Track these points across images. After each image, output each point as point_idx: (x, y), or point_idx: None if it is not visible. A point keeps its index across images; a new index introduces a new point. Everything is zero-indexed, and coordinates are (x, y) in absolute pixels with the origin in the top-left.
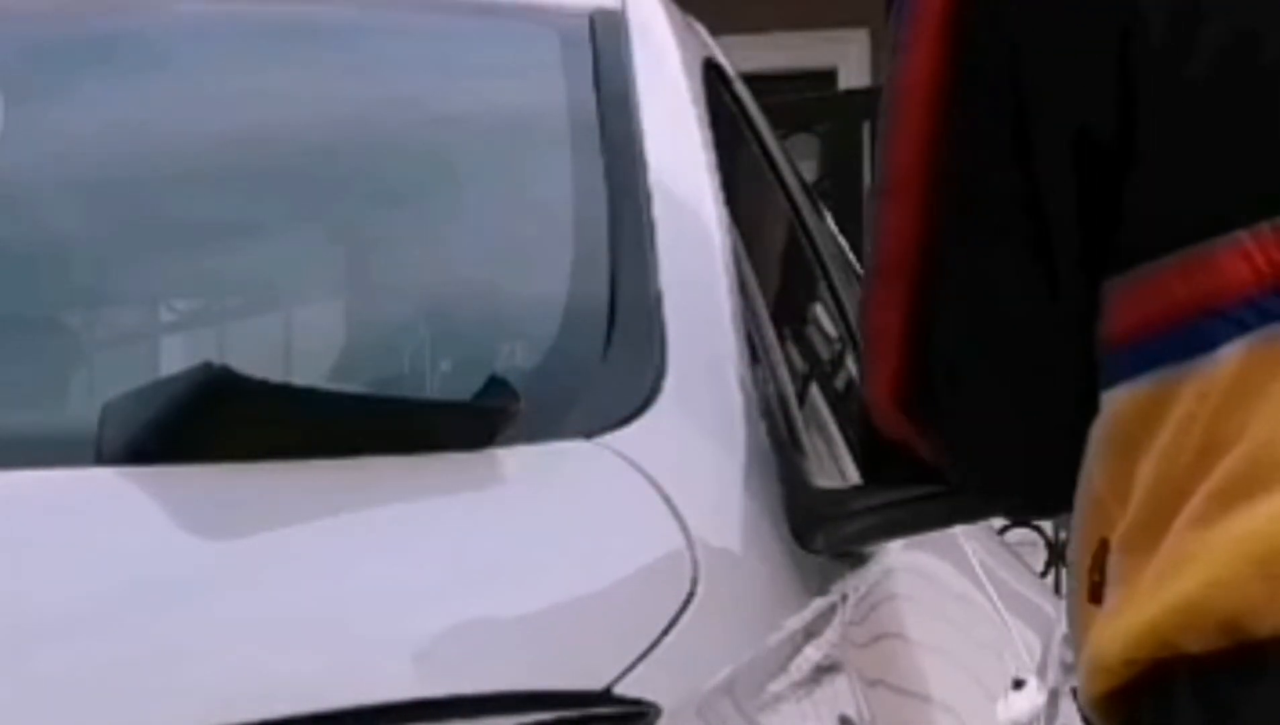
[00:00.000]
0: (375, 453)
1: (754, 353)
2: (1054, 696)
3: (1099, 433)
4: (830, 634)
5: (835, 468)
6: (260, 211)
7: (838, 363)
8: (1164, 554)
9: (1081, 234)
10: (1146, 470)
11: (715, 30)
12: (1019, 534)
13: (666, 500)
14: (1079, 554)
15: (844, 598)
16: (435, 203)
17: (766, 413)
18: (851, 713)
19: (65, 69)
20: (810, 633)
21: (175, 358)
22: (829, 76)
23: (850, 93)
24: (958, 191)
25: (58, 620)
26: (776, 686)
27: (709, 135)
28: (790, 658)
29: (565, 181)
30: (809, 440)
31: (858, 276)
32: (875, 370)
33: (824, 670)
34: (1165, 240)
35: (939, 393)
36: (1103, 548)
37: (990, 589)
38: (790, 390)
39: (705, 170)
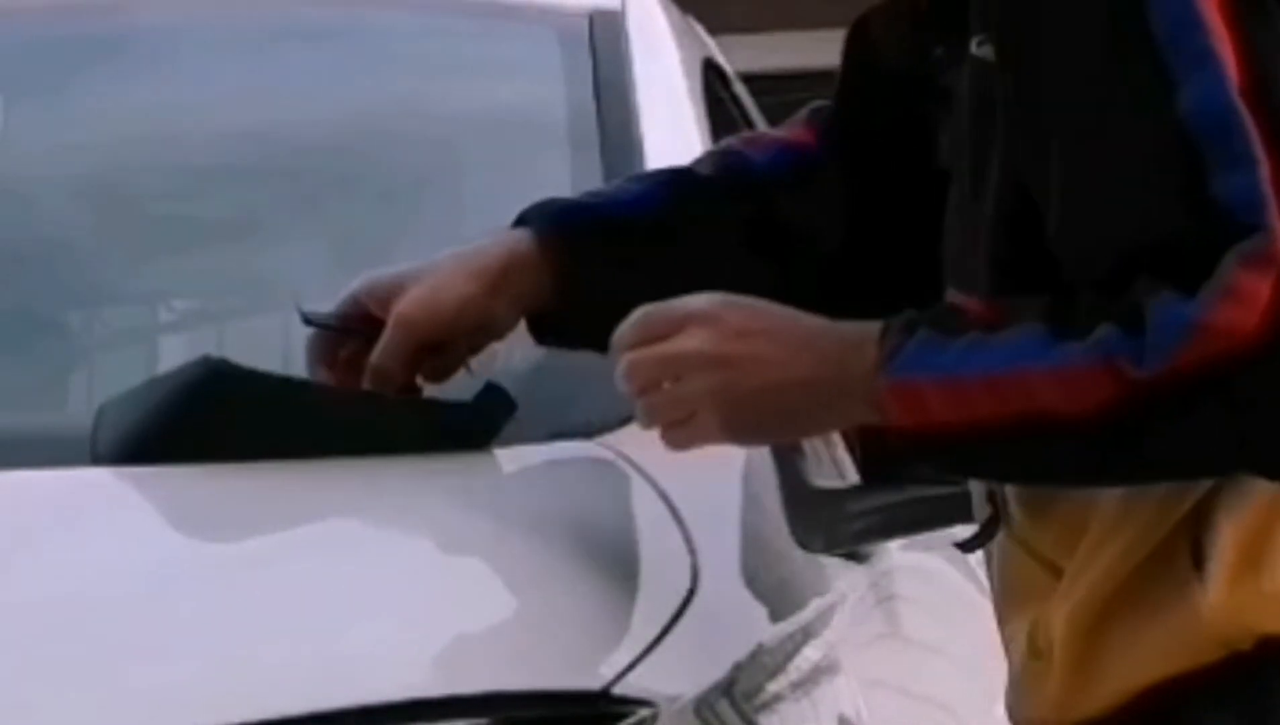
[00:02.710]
0: (374, 452)
1: None
2: None
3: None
4: (830, 634)
5: (835, 468)
6: (260, 211)
7: None
8: None
9: None
10: None
11: (715, 30)
12: None
13: (666, 500)
14: (1161, 519)
15: (844, 598)
16: (435, 202)
17: None
18: (850, 713)
19: (65, 69)
20: (810, 633)
21: (174, 358)
22: (829, 76)
23: None
24: None
25: (54, 620)
26: (776, 686)
27: (708, 135)
28: (790, 658)
29: (564, 181)
30: (809, 440)
31: None
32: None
33: (823, 670)
34: None
35: None
36: (1200, 512)
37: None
38: None
39: None
